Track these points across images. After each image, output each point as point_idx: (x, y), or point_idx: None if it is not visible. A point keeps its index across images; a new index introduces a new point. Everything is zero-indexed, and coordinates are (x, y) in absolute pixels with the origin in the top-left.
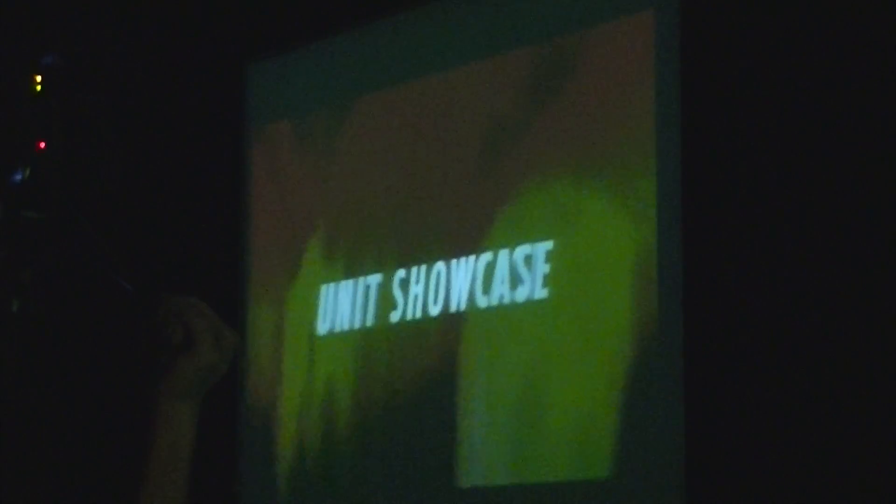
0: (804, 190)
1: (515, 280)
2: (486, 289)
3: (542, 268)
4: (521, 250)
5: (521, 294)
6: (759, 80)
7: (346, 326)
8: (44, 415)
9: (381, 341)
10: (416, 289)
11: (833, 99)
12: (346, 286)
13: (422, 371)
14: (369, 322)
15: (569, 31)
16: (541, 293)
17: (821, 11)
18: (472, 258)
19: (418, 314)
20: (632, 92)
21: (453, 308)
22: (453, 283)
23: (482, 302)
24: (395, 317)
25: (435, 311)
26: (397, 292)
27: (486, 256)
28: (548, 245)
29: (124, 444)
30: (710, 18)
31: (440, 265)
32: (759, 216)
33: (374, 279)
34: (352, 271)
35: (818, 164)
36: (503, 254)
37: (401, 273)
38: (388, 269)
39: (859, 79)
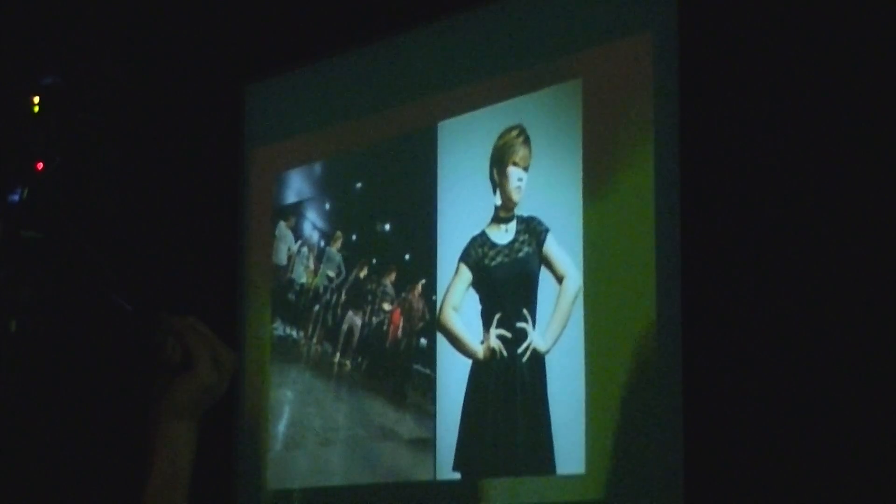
0: (803, 204)
1: None
2: None
3: None
4: None
5: None
6: (758, 101)
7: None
8: (42, 434)
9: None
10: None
11: (834, 118)
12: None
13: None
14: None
15: (566, 53)
16: None
17: (819, 31)
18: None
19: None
20: (630, 113)
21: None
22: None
23: None
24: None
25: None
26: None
27: None
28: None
29: (123, 465)
30: (708, 40)
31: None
32: (756, 232)
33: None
34: None
35: (818, 182)
36: None
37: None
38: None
39: (860, 94)
